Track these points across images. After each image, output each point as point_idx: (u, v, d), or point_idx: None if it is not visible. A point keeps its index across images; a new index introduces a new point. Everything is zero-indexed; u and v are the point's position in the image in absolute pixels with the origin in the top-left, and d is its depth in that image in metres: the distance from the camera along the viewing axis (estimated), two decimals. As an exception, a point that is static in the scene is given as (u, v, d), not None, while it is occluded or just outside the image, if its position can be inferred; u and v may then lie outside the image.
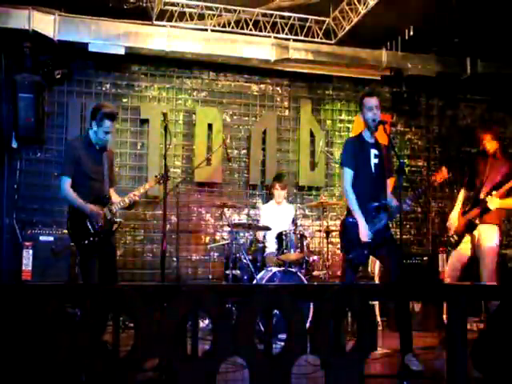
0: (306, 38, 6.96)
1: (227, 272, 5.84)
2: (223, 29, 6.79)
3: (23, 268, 5.69)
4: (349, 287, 3.04)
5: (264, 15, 6.76)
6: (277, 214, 6.35)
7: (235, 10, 6.65)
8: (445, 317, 4.82)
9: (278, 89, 7.60)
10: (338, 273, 6.38)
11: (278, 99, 7.60)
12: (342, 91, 7.76)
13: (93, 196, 4.34)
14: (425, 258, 6.43)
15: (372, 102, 4.21)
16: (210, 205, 6.91)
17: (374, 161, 4.26)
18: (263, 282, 5.21)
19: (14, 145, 6.30)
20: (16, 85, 6.00)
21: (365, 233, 4.09)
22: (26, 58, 6.19)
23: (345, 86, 7.75)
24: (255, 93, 7.50)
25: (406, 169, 7.71)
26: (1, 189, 6.32)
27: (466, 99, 8.17)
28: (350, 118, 7.75)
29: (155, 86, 7.16)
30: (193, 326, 2.60)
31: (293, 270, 5.43)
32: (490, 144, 4.97)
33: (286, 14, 6.77)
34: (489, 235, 4.85)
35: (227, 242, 6.09)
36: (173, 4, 6.52)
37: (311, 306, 4.90)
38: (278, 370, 2.51)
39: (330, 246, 6.08)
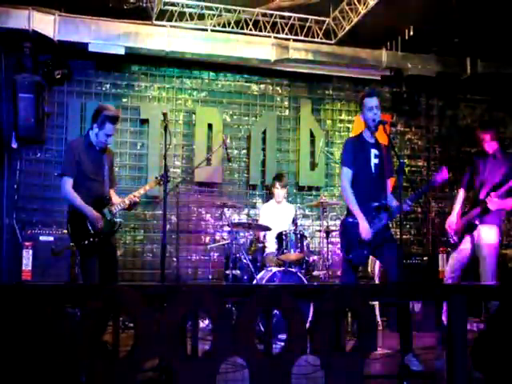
0: (306, 38, 6.96)
1: (227, 272, 5.84)
2: (223, 29, 6.78)
3: (23, 268, 5.69)
4: (349, 287, 3.04)
5: (264, 15, 6.76)
6: (277, 214, 6.35)
7: (235, 10, 6.65)
8: (444, 318, 4.85)
9: (278, 89, 7.60)
10: (338, 273, 6.38)
11: (278, 99, 7.60)
12: (341, 91, 7.76)
13: (93, 197, 4.35)
14: (425, 258, 6.43)
15: (372, 102, 4.21)
16: (209, 205, 6.91)
17: (374, 161, 4.26)
18: (263, 282, 5.21)
19: (14, 145, 6.30)
20: (16, 85, 6.00)
21: (366, 230, 4.10)
22: (26, 58, 6.18)
23: (345, 85, 7.75)
24: (255, 93, 7.50)
25: (406, 169, 7.72)
26: (1, 189, 6.32)
27: (466, 99, 8.17)
28: (350, 118, 7.76)
29: (155, 86, 7.17)
30: (193, 326, 2.60)
31: (293, 269, 5.42)
32: (490, 144, 4.97)
33: (286, 13, 6.77)
34: (488, 236, 4.85)
35: (227, 242, 6.09)
36: (173, 4, 6.52)
37: (311, 306, 4.91)
38: (277, 370, 2.51)
39: (330, 245, 6.08)
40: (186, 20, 6.67)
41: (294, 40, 6.99)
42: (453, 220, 5.03)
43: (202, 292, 2.51)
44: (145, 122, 7.02)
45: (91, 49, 6.44)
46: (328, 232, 6.07)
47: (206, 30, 6.75)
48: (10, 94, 6.09)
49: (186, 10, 6.60)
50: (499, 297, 2.98)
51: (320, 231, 6.86)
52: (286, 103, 7.60)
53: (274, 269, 5.41)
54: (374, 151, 4.27)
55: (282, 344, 2.59)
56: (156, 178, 4.56)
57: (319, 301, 2.61)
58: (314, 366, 3.40)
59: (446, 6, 6.07)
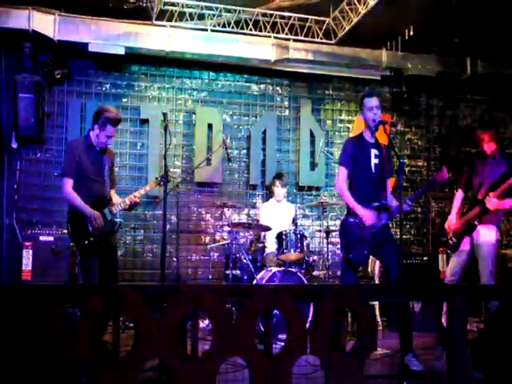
0: (306, 38, 6.97)
1: (227, 272, 5.84)
2: (223, 29, 6.79)
3: (23, 268, 5.69)
4: (349, 287, 3.04)
5: (264, 15, 6.76)
6: (277, 213, 6.35)
7: (235, 10, 6.65)
8: (443, 320, 4.85)
9: (278, 89, 7.60)
10: (338, 273, 6.38)
11: (278, 99, 7.60)
12: (341, 91, 7.76)
13: (93, 197, 4.35)
14: (425, 258, 6.44)
15: (372, 102, 4.22)
16: (209, 205, 6.91)
17: (374, 161, 4.27)
18: (263, 282, 5.21)
19: (14, 145, 6.31)
20: (16, 85, 6.01)
21: (367, 216, 4.09)
22: (26, 58, 6.19)
23: (345, 85, 7.75)
24: (255, 93, 7.51)
25: (406, 169, 7.72)
26: (1, 189, 6.32)
27: (466, 99, 8.17)
28: (350, 118, 7.76)
29: (155, 86, 7.17)
30: (193, 326, 2.60)
31: (293, 269, 5.42)
32: (488, 145, 4.97)
33: (286, 13, 6.77)
34: (487, 236, 4.85)
35: (227, 242, 6.09)
36: (173, 4, 6.53)
37: (311, 306, 4.91)
38: (277, 370, 2.51)
39: (330, 246, 6.08)
40: (186, 20, 6.67)
41: (294, 40, 6.99)
42: (452, 220, 5.04)
43: (202, 292, 2.51)
44: (145, 122, 7.02)
45: (91, 49, 6.45)
46: (328, 232, 6.07)
47: (206, 29, 6.75)
48: (10, 94, 6.09)
49: (186, 9, 6.60)
50: (499, 297, 2.98)
51: (320, 231, 6.86)
52: (286, 103, 7.61)
53: (274, 269, 5.41)
54: (374, 151, 4.28)
55: (282, 344, 2.59)
56: (156, 178, 4.56)
57: (319, 301, 2.61)
58: (313, 366, 3.40)
59: (445, 6, 6.07)
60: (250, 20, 6.75)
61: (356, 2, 6.34)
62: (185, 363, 2.44)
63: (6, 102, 6.22)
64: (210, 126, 7.14)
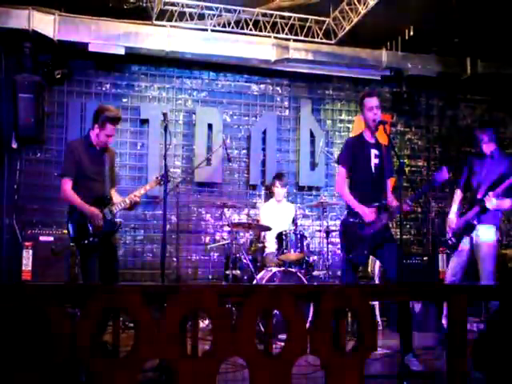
0: (306, 38, 6.96)
1: (227, 272, 5.84)
2: (223, 29, 6.79)
3: (23, 268, 5.69)
4: (349, 287, 3.04)
5: (264, 15, 6.76)
6: (277, 213, 6.36)
7: (235, 10, 6.65)
8: (444, 321, 4.85)
9: (278, 89, 7.60)
10: (338, 273, 6.38)
11: (278, 99, 7.60)
12: (342, 91, 7.76)
13: (94, 196, 4.34)
14: (425, 258, 6.43)
15: (372, 102, 4.22)
16: (210, 205, 6.91)
17: (374, 161, 4.27)
18: (263, 282, 5.21)
19: (14, 145, 6.31)
20: (16, 85, 6.01)
21: (367, 214, 4.09)
22: (26, 57, 6.19)
23: (345, 86, 7.75)
24: (255, 93, 7.50)
25: (406, 169, 7.72)
26: (1, 189, 6.32)
27: (466, 99, 8.17)
28: (349, 118, 7.76)
29: (155, 86, 7.17)
30: (193, 326, 2.60)
31: (293, 270, 5.43)
32: (487, 145, 4.98)
33: (286, 14, 6.77)
34: (487, 235, 4.86)
35: (227, 242, 6.09)
36: (173, 4, 6.52)
37: (311, 306, 4.91)
38: (277, 370, 2.51)
39: (330, 245, 6.08)
40: (186, 20, 6.67)
41: (294, 40, 6.99)
42: (452, 220, 5.04)
43: (202, 292, 2.51)
44: (145, 122, 7.02)
45: (91, 49, 6.45)
46: (328, 232, 6.07)
47: (206, 29, 6.75)
48: (10, 94, 6.08)
49: (186, 9, 6.60)
50: (499, 297, 2.98)
51: (320, 231, 6.86)
52: (286, 103, 7.60)
53: (274, 269, 5.41)
54: (374, 151, 4.28)
55: (282, 344, 2.59)
56: (157, 177, 4.55)
57: (319, 301, 2.61)
58: (313, 366, 3.40)
59: (445, 6, 6.07)
60: (250, 20, 6.75)
61: (356, 2, 6.34)
62: (185, 363, 2.44)
63: (6, 101, 6.22)
64: (209, 126, 7.14)
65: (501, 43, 6.82)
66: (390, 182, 4.45)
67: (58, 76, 6.54)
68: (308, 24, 6.91)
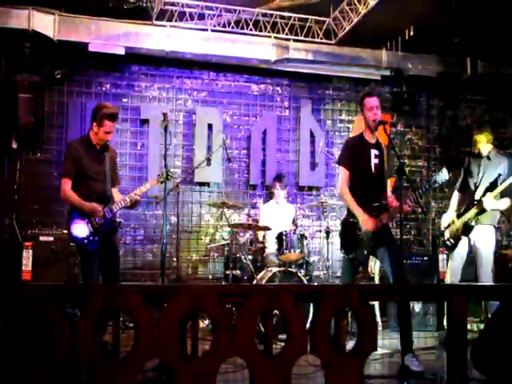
0: (306, 38, 6.96)
1: (227, 272, 5.84)
2: (223, 29, 6.79)
3: (23, 268, 5.68)
4: (349, 287, 3.04)
5: (264, 15, 6.76)
6: (277, 214, 6.36)
7: (235, 10, 6.65)
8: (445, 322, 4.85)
9: (278, 89, 7.59)
10: (338, 273, 6.38)
11: (278, 99, 7.60)
12: (342, 91, 7.76)
13: (94, 196, 4.34)
14: (425, 258, 6.43)
15: (372, 102, 4.22)
16: (210, 205, 6.91)
17: (374, 161, 4.26)
18: (263, 282, 5.21)
19: (14, 145, 6.30)
20: (16, 85, 6.00)
21: (367, 222, 4.09)
22: (26, 57, 6.18)
23: (345, 86, 7.75)
24: (255, 93, 7.50)
25: (406, 169, 7.71)
26: (1, 189, 6.32)
27: (467, 99, 8.17)
28: (349, 118, 7.76)
29: (155, 86, 7.17)
30: (193, 326, 2.60)
31: (293, 270, 5.43)
32: (484, 146, 4.99)
33: (286, 14, 6.77)
34: (485, 236, 4.86)
35: (227, 241, 6.09)
36: (173, 4, 6.52)
37: (311, 306, 4.90)
38: (277, 370, 2.51)
39: (329, 245, 6.08)
40: (186, 20, 6.67)
41: (294, 40, 6.99)
42: (449, 222, 5.05)
43: (202, 292, 2.51)
44: (145, 122, 7.02)
45: (91, 49, 6.45)
46: (328, 232, 6.07)
47: (206, 29, 6.75)
48: (10, 94, 6.08)
49: (186, 9, 6.60)
50: (499, 297, 2.98)
51: (320, 231, 6.86)
52: (286, 103, 7.60)
53: (274, 269, 5.41)
54: (374, 151, 4.27)
55: (282, 344, 2.59)
56: (158, 175, 4.55)
57: (319, 301, 2.61)
58: (313, 366, 3.40)
59: (445, 6, 6.07)
60: (250, 20, 6.75)
61: (356, 2, 6.34)
62: (185, 363, 2.44)
63: (6, 102, 6.22)
64: (209, 126, 7.14)
65: (501, 43, 6.82)
66: (390, 182, 4.45)
67: (58, 76, 6.54)
68: (308, 24, 6.91)
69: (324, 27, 6.93)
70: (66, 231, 4.55)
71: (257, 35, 6.84)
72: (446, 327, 3.52)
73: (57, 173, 6.28)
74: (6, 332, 2.35)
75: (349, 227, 4.23)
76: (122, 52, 6.57)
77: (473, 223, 4.86)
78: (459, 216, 5.00)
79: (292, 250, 5.57)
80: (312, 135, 7.48)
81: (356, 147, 4.32)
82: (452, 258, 5.05)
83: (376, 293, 3.08)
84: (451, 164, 6.63)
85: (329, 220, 6.51)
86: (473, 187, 4.99)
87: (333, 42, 7.06)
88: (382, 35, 7.08)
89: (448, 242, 5.05)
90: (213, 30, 6.77)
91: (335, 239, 6.65)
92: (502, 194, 4.82)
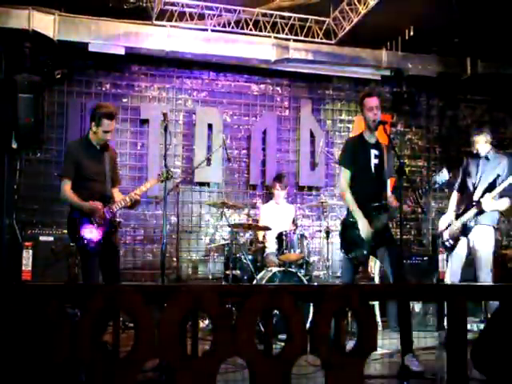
0: (306, 38, 6.97)
1: (227, 272, 5.84)
2: (223, 29, 6.79)
3: (23, 268, 5.69)
4: (349, 287, 3.04)
5: (264, 15, 6.76)
6: (277, 214, 6.36)
7: (235, 10, 6.65)
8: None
9: (278, 89, 7.60)
10: (338, 273, 6.38)
11: (278, 99, 7.60)
12: (342, 91, 7.76)
13: (94, 196, 4.34)
14: (425, 258, 6.43)
15: (372, 102, 4.21)
16: (210, 205, 6.91)
17: (374, 161, 4.26)
18: (263, 282, 5.20)
19: (14, 145, 6.30)
20: (16, 85, 6.00)
21: (366, 229, 4.09)
22: (26, 57, 6.18)
23: (345, 86, 7.75)
24: (255, 93, 7.50)
25: (406, 169, 7.71)
26: (1, 189, 6.31)
27: (467, 99, 8.17)
28: (349, 118, 7.76)
29: (155, 86, 7.17)
30: (193, 326, 2.60)
31: (293, 270, 5.43)
32: (482, 147, 4.99)
33: (286, 14, 6.77)
34: (484, 237, 4.86)
35: (227, 241, 6.09)
36: (173, 4, 6.52)
37: (311, 306, 4.90)
38: (278, 370, 2.51)
39: (329, 245, 6.08)
40: (186, 20, 6.67)
41: (294, 40, 6.99)
42: (448, 223, 5.05)
43: (202, 292, 2.51)
44: (145, 122, 7.02)
45: (91, 49, 6.45)
46: (328, 232, 6.07)
47: (206, 29, 6.75)
48: (10, 94, 6.08)
49: (186, 9, 6.60)
50: (499, 297, 2.98)
51: (320, 231, 6.86)
52: (286, 103, 7.60)
53: (274, 269, 5.41)
54: (374, 151, 4.27)
55: (282, 344, 2.59)
56: (158, 175, 4.55)
57: (319, 301, 2.61)
58: (313, 366, 3.40)
59: (445, 6, 6.07)
60: (250, 20, 6.75)
61: (356, 2, 6.34)
62: (185, 363, 2.44)
63: (6, 101, 6.21)
64: (209, 126, 7.14)
65: (501, 43, 6.83)
66: (390, 182, 4.45)
67: (58, 76, 6.54)
68: (308, 24, 6.91)
69: (324, 27, 6.93)
70: (66, 231, 4.55)
71: (257, 35, 6.84)
72: (446, 327, 3.53)
73: (57, 173, 6.28)
74: (5, 332, 2.35)
75: (349, 227, 4.23)
76: (121, 52, 6.57)
77: (472, 224, 4.87)
78: (458, 217, 5.00)
79: (292, 250, 5.57)
80: (312, 135, 7.48)
81: (356, 147, 4.32)
82: (451, 259, 5.05)
83: (376, 293, 3.08)
84: (451, 164, 6.63)
85: (329, 220, 6.52)
86: (471, 188, 4.99)
87: (333, 41, 7.06)
88: (382, 35, 7.08)
89: (447, 243, 5.05)
90: (213, 30, 6.77)
91: (335, 239, 6.66)
92: (501, 195, 4.83)
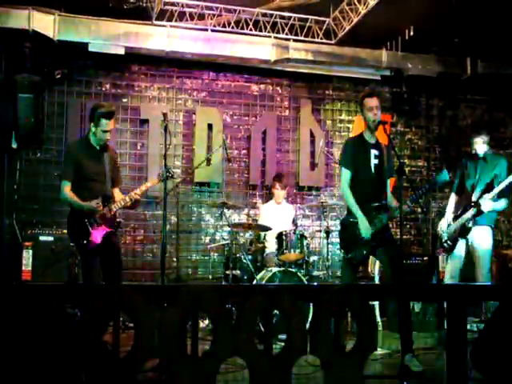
0: (306, 38, 6.96)
1: (227, 272, 5.83)
2: (223, 29, 6.79)
3: (23, 268, 5.69)
4: (349, 287, 3.04)
5: (264, 15, 6.76)
6: (277, 214, 6.35)
7: (235, 10, 6.65)
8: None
9: (278, 89, 7.59)
10: (338, 273, 6.38)
11: (278, 99, 7.60)
12: (342, 91, 7.76)
13: (94, 197, 4.34)
14: (425, 258, 6.43)
15: (372, 102, 4.21)
16: (210, 205, 6.92)
17: (374, 161, 4.26)
18: (263, 282, 5.20)
19: (14, 145, 6.29)
20: (16, 85, 5.99)
21: (366, 229, 4.09)
22: (26, 57, 6.18)
23: (345, 86, 7.75)
24: (255, 93, 7.50)
25: (406, 169, 7.71)
26: (1, 189, 6.31)
27: (467, 99, 8.17)
28: (349, 118, 7.76)
29: (155, 86, 7.16)
30: (193, 326, 2.60)
31: (293, 270, 5.42)
32: (481, 147, 4.99)
33: (286, 14, 6.77)
34: (482, 237, 4.87)
35: (227, 241, 6.09)
36: (173, 4, 6.52)
37: (311, 306, 4.90)
38: (277, 370, 2.51)
39: (329, 245, 6.08)
40: (186, 20, 6.67)
41: (294, 40, 6.99)
42: (444, 223, 5.05)
43: (202, 292, 2.51)
44: (145, 122, 7.02)
45: (91, 49, 6.45)
46: (328, 232, 6.06)
47: (206, 29, 6.75)
48: (10, 94, 6.08)
49: (185, 10, 6.60)
50: (499, 297, 2.98)
51: (320, 231, 6.85)
52: (286, 103, 7.60)
53: (274, 269, 5.40)
54: (373, 152, 4.27)
55: (282, 344, 2.59)
56: (158, 174, 4.55)
57: (319, 301, 2.61)
58: (313, 366, 3.40)
59: (445, 6, 6.07)
60: (250, 20, 6.75)
61: (356, 2, 6.34)
62: (185, 363, 2.44)
63: (6, 101, 6.21)
64: (209, 126, 7.14)
65: (501, 43, 6.82)
66: (390, 182, 4.45)
67: (58, 76, 6.54)
68: (308, 24, 6.91)
69: (324, 27, 6.93)
70: (66, 231, 4.55)
71: (257, 35, 6.84)
72: (446, 327, 3.53)
73: (57, 173, 6.28)
74: (5, 332, 2.35)
75: (348, 227, 4.23)
76: (121, 52, 6.57)
77: (470, 225, 4.87)
78: (456, 218, 5.00)
79: (292, 250, 5.57)
80: (312, 135, 7.48)
81: (356, 147, 4.32)
82: (450, 260, 5.05)
83: (376, 293, 3.09)
84: (451, 164, 6.64)
85: (329, 220, 6.51)
86: (470, 189, 4.99)
87: (333, 42, 7.06)
88: (382, 35, 7.08)
89: (446, 244, 5.05)
90: (213, 30, 6.77)
91: (335, 239, 6.68)
92: (500, 195, 4.83)
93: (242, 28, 6.79)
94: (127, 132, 7.01)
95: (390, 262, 4.10)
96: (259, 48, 6.94)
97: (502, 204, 4.85)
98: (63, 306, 2.45)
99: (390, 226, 4.46)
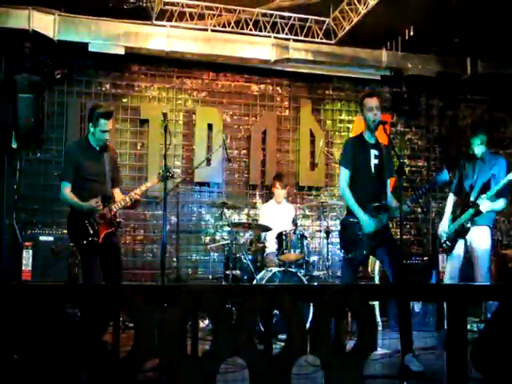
0: (306, 38, 6.97)
1: (227, 272, 5.84)
2: (223, 29, 6.79)
3: (23, 268, 5.69)
4: (349, 287, 3.04)
5: (264, 15, 6.76)
6: (277, 214, 6.35)
7: (235, 10, 6.65)
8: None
9: (278, 89, 7.60)
10: (338, 273, 6.38)
11: (278, 99, 7.60)
12: (342, 91, 7.76)
13: (94, 197, 4.34)
14: (425, 258, 6.43)
15: (372, 102, 4.21)
16: (210, 205, 6.92)
17: (374, 161, 4.26)
18: (263, 282, 5.20)
19: (14, 145, 6.30)
20: (16, 85, 5.99)
21: (367, 223, 4.09)
22: (26, 57, 6.19)
23: (345, 86, 7.75)
24: (255, 93, 7.50)
25: (406, 169, 7.72)
26: (1, 189, 6.31)
27: (466, 99, 8.18)
28: (349, 118, 7.76)
29: (155, 86, 7.17)
30: (193, 326, 2.60)
31: (293, 270, 5.42)
32: (478, 148, 4.99)
33: (286, 14, 6.77)
34: (481, 237, 4.87)
35: (227, 241, 6.09)
36: (173, 4, 6.53)
37: (311, 306, 4.90)
38: (277, 370, 2.51)
39: (330, 245, 6.08)
40: (186, 20, 6.67)
41: (294, 40, 6.99)
42: (445, 225, 5.06)
43: (202, 292, 2.51)
44: (145, 122, 7.02)
45: (91, 49, 6.45)
46: (328, 232, 6.06)
47: (206, 29, 6.75)
48: (10, 94, 6.08)
49: (185, 10, 6.60)
50: (499, 297, 2.98)
51: (320, 231, 6.85)
52: (286, 103, 7.61)
53: (274, 269, 5.40)
54: (373, 152, 4.27)
55: (282, 344, 2.59)
56: (158, 174, 4.54)
57: (319, 301, 2.61)
58: (313, 366, 3.40)
59: (445, 6, 6.07)
60: (250, 20, 6.75)
61: (356, 2, 6.34)
62: (185, 363, 2.44)
63: (6, 102, 6.21)
64: (210, 126, 7.14)
65: (501, 43, 6.83)
66: (390, 182, 4.45)
67: (58, 76, 6.54)
68: (308, 24, 6.91)
69: (324, 27, 6.93)
70: (66, 231, 4.55)
71: (257, 35, 6.85)
72: (446, 327, 3.53)
73: (57, 173, 6.28)
74: (5, 332, 2.35)
75: (348, 227, 4.23)
76: (121, 52, 6.57)
77: (468, 225, 4.87)
78: (455, 218, 5.00)
79: (292, 250, 5.57)
80: (312, 135, 7.48)
81: (356, 147, 4.32)
82: (449, 260, 5.05)
83: (376, 293, 3.08)
84: (451, 164, 6.64)
85: (329, 220, 6.52)
86: (468, 189, 4.99)
87: (333, 42, 7.06)
88: (382, 35, 7.09)
89: (445, 245, 5.05)
90: (213, 30, 6.77)
91: (335, 239, 6.68)
92: (498, 195, 4.82)
93: (242, 28, 6.79)
94: (127, 132, 7.01)
95: (390, 262, 4.10)
96: (259, 48, 6.94)
97: (501, 204, 4.85)
98: (63, 306, 2.45)
99: (390, 226, 4.46)
